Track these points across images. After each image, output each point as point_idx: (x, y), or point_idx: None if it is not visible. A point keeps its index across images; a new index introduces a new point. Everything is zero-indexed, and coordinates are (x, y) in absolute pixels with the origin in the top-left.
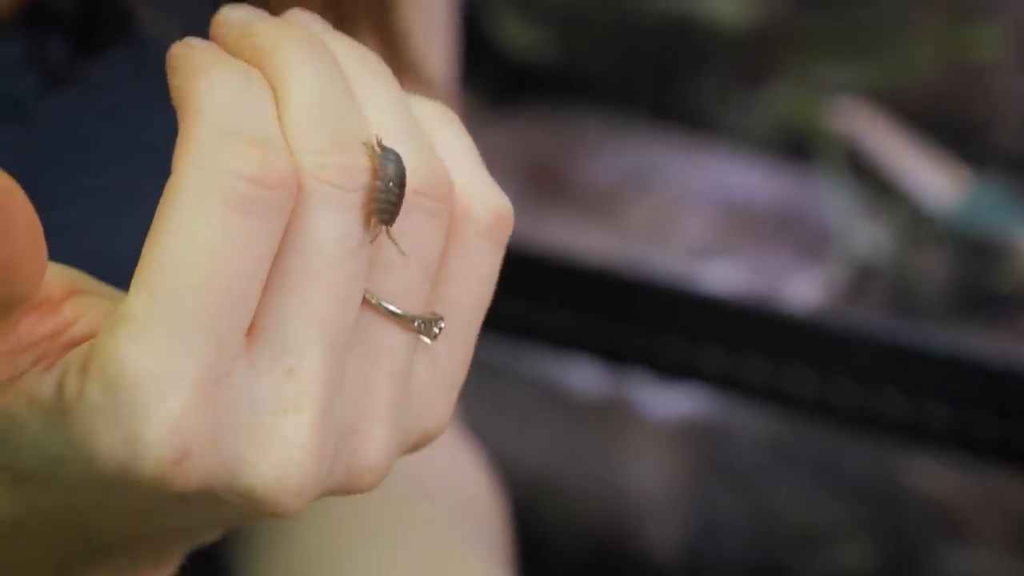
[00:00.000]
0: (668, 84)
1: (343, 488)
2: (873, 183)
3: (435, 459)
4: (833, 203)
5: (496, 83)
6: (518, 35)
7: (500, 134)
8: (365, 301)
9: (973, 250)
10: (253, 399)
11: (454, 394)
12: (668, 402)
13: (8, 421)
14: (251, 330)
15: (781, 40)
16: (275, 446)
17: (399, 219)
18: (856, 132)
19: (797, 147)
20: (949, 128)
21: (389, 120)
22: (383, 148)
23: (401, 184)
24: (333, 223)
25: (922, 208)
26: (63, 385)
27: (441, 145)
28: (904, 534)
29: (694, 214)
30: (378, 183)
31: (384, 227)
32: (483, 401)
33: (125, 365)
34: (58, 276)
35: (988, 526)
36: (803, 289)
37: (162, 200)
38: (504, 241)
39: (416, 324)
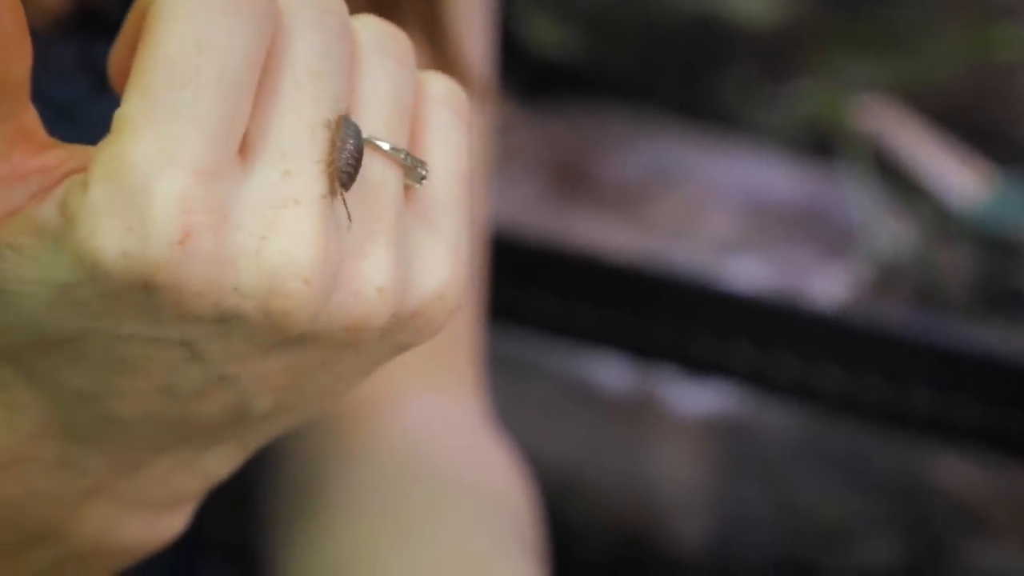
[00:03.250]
0: (693, 81)
1: (353, 313)
2: (897, 180)
3: (468, 455)
4: (857, 200)
5: (523, 81)
6: (545, 33)
7: (526, 131)
8: None
9: (997, 247)
10: (252, 199)
11: (458, 260)
12: (695, 398)
13: (14, 254)
14: (244, 146)
15: (806, 37)
16: (278, 234)
17: (370, 64)
18: (881, 130)
19: (822, 144)
20: (973, 126)
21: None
22: (345, 121)
23: (359, 150)
24: (316, 40)
25: (946, 206)
26: (66, 201)
27: None
28: (930, 530)
29: (719, 211)
30: (336, 151)
31: (341, 190)
32: (510, 397)
33: (126, 158)
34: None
35: (1013, 522)
36: (827, 286)
37: (148, 14)
38: (465, 113)
39: (402, 157)
